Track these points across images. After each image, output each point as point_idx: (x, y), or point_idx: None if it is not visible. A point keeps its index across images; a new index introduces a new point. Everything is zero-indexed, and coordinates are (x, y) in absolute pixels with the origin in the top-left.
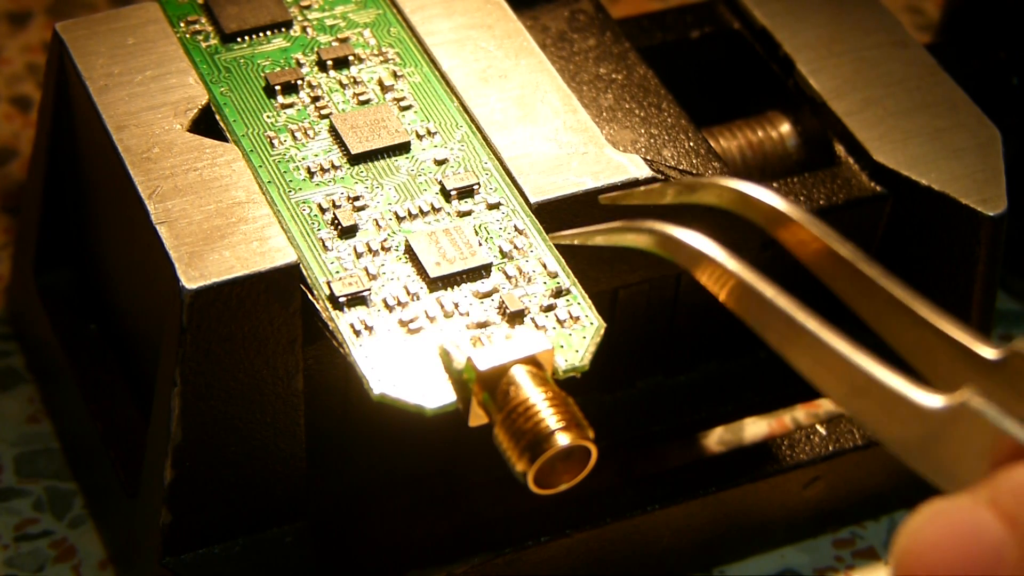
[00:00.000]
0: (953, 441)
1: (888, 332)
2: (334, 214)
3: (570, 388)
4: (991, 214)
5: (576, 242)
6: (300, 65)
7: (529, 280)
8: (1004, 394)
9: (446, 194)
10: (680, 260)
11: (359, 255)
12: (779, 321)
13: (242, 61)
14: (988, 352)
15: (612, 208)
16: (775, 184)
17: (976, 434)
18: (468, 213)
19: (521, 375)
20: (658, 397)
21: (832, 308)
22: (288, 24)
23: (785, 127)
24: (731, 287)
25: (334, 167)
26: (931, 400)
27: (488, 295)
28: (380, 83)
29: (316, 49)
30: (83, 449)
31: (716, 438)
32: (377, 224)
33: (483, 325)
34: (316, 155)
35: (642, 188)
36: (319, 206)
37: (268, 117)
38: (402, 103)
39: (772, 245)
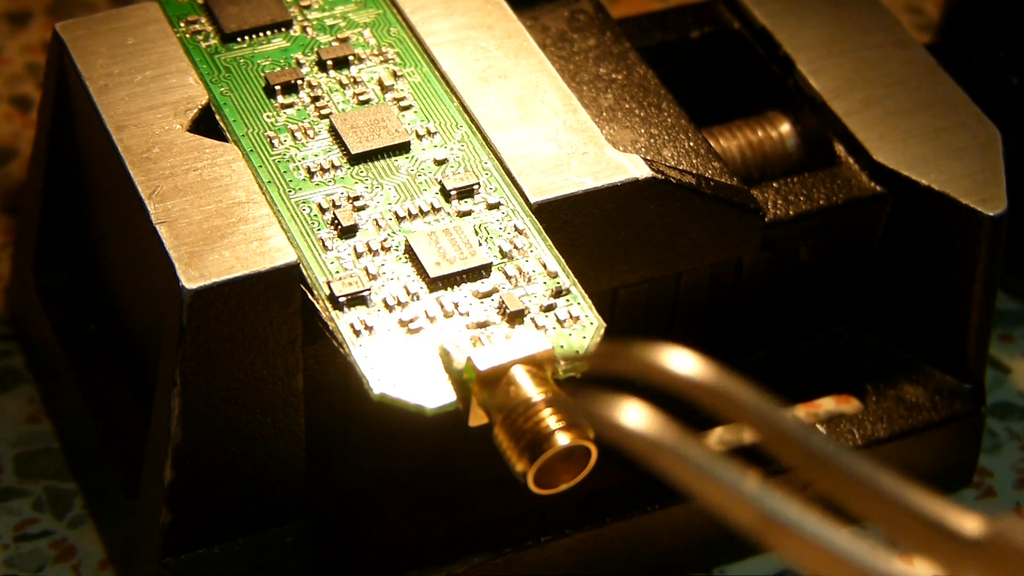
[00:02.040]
0: None
1: (855, 507)
2: (334, 214)
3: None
4: (991, 214)
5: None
6: (300, 65)
7: (529, 280)
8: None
9: (446, 194)
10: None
11: (359, 255)
12: (745, 505)
13: (242, 61)
14: (970, 527)
15: (612, 210)
16: (775, 184)
17: None
18: (468, 213)
19: (521, 375)
20: (658, 397)
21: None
22: (288, 24)
23: (785, 127)
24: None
25: (334, 167)
26: None
27: (488, 295)
28: (380, 83)
29: (316, 49)
30: (83, 449)
31: (716, 438)
32: (377, 224)
33: (483, 325)
34: (316, 155)
35: (567, 352)
36: (319, 206)
37: (268, 117)
38: (402, 103)
39: (772, 245)
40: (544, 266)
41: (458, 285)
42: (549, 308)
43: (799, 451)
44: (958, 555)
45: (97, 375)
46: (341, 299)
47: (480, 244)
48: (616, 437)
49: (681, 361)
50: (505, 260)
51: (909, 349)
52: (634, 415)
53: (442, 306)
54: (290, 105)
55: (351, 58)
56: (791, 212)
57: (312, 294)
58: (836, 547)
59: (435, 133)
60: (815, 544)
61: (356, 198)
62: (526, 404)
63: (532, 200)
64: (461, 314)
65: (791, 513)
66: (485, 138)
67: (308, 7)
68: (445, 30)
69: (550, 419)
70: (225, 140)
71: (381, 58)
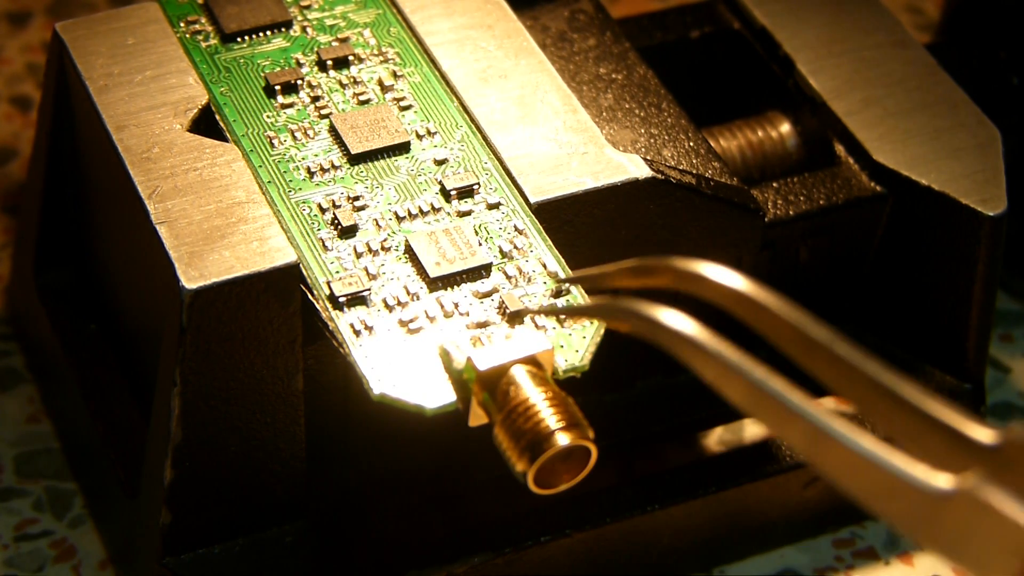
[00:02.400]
0: (957, 525)
1: (874, 415)
2: (334, 214)
3: (570, 388)
4: (991, 214)
5: (548, 316)
6: (300, 65)
7: (529, 280)
8: (1006, 479)
9: (446, 194)
10: (663, 345)
11: (359, 255)
12: (771, 402)
13: (242, 61)
14: (984, 435)
15: (612, 210)
16: (775, 184)
17: (978, 518)
18: (468, 213)
19: (521, 375)
20: (658, 397)
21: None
22: (288, 24)
23: (785, 127)
24: (717, 371)
25: (334, 167)
26: (936, 482)
27: (488, 295)
28: (380, 83)
29: (316, 49)
30: (83, 449)
31: (716, 438)
32: (377, 224)
33: (483, 325)
34: (316, 155)
35: (597, 270)
36: (319, 206)
37: (268, 117)
38: (402, 103)
39: (772, 245)
40: (544, 266)
41: (458, 285)
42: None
43: (826, 359)
44: (975, 460)
45: (97, 375)
46: (341, 299)
47: (480, 244)
48: (659, 337)
49: (719, 272)
50: (505, 260)
51: (909, 349)
52: (677, 318)
53: (442, 306)
54: (290, 105)
55: (351, 58)
56: (791, 212)
57: (312, 294)
58: (868, 454)
59: (435, 133)
60: (843, 448)
61: (356, 198)
62: (526, 404)
63: (532, 200)
64: (461, 314)
65: (820, 414)
66: (485, 138)
67: (308, 7)
68: (445, 30)
69: (550, 419)
70: (225, 140)
71: (381, 58)
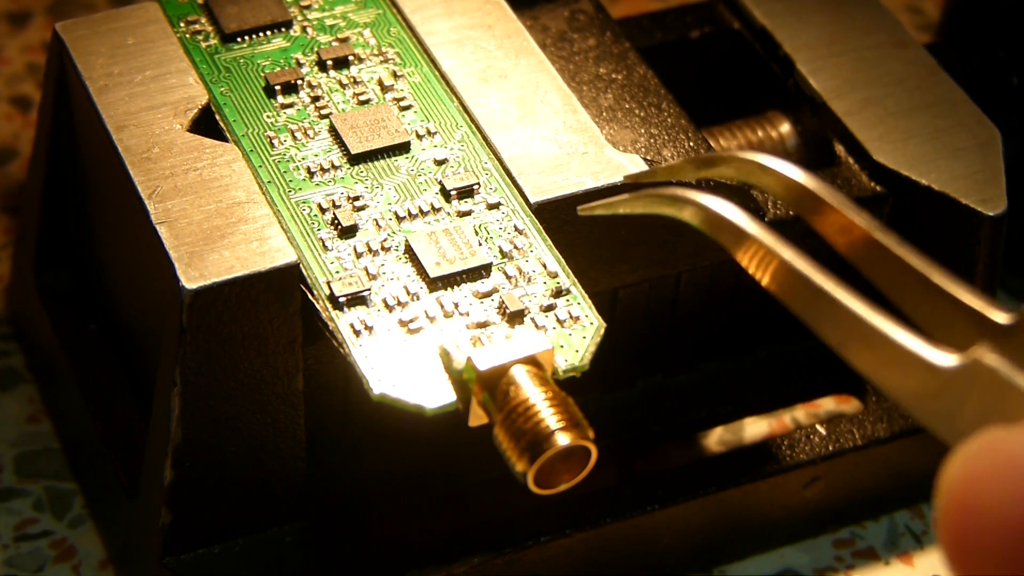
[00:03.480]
0: (966, 397)
1: (903, 300)
2: (334, 214)
3: (570, 388)
4: (991, 214)
5: (604, 212)
6: (300, 65)
7: (529, 280)
8: (1017, 356)
9: (446, 194)
10: (718, 236)
11: (359, 255)
12: (802, 283)
13: (242, 61)
14: (1000, 316)
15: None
16: None
17: (988, 390)
18: (468, 213)
19: (521, 375)
20: (658, 397)
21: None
22: (288, 24)
23: (785, 127)
24: (762, 259)
25: (334, 167)
26: (944, 358)
27: (488, 295)
28: (380, 83)
29: (316, 49)
30: (83, 449)
31: (716, 438)
32: (377, 224)
33: (483, 325)
34: (316, 155)
35: (663, 166)
36: (319, 206)
37: (268, 117)
38: (402, 103)
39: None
40: (544, 266)
41: (458, 285)
42: (549, 308)
43: (864, 243)
44: (990, 337)
45: (97, 375)
46: (341, 299)
47: (480, 244)
48: (709, 223)
49: (775, 162)
50: (505, 260)
51: None
52: (719, 202)
53: (442, 306)
54: (290, 105)
55: (351, 58)
56: (791, 212)
57: (312, 294)
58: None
59: (435, 133)
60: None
61: (356, 198)
62: (526, 404)
63: (532, 200)
64: (461, 314)
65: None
66: (485, 138)
67: (308, 7)
68: (445, 30)
69: (550, 419)
70: (225, 140)
71: (381, 58)
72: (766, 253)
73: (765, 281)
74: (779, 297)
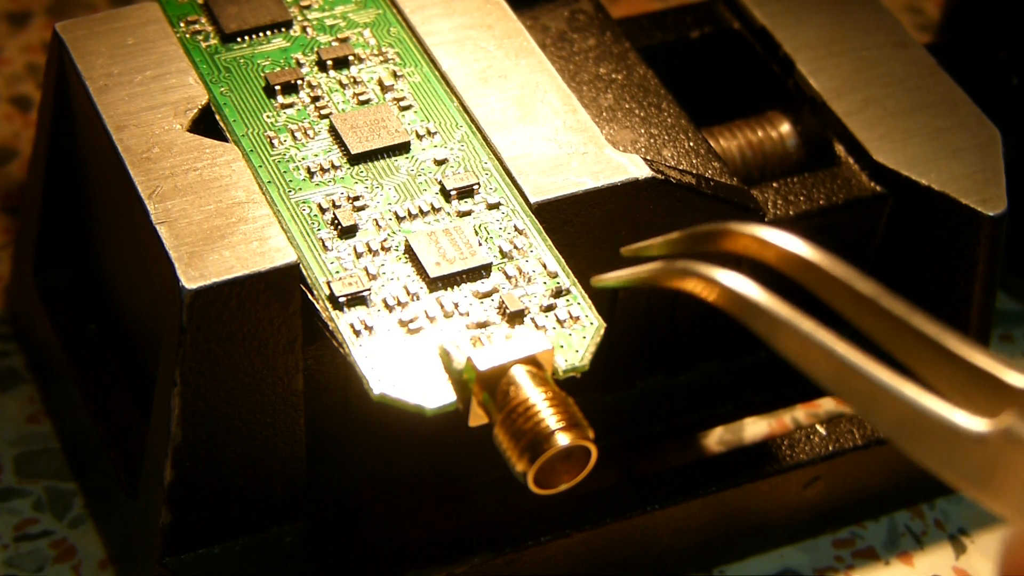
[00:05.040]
0: (1001, 464)
1: (917, 365)
2: (334, 214)
3: (570, 388)
4: (991, 214)
5: (617, 284)
6: (300, 65)
7: (529, 280)
8: None
9: (446, 194)
10: (724, 305)
11: (359, 255)
12: (824, 355)
13: (242, 61)
14: (1016, 379)
15: (612, 210)
16: (775, 184)
17: (1019, 459)
18: (468, 213)
19: (521, 375)
20: (658, 397)
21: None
22: (288, 24)
23: (785, 127)
24: (766, 324)
25: (334, 167)
26: (973, 422)
27: (488, 295)
28: (380, 83)
29: (316, 49)
30: (83, 449)
31: (716, 438)
32: (377, 224)
33: (483, 325)
34: (316, 155)
35: (660, 239)
36: (319, 206)
37: (268, 117)
38: (402, 103)
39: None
40: (544, 266)
41: (458, 285)
42: (549, 308)
43: (874, 313)
44: (1010, 402)
45: (97, 375)
46: (341, 299)
47: (480, 244)
48: (727, 302)
49: (773, 234)
50: (505, 260)
51: None
52: (733, 278)
53: (442, 306)
54: (290, 105)
55: (351, 58)
56: (791, 212)
57: (312, 294)
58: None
59: (435, 133)
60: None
61: (356, 198)
62: (526, 404)
63: (532, 200)
64: (461, 314)
65: (860, 360)
66: (485, 138)
67: (308, 7)
68: (445, 30)
69: (550, 419)
70: (225, 140)
71: (381, 58)
72: (774, 323)
73: (777, 348)
74: (799, 367)
